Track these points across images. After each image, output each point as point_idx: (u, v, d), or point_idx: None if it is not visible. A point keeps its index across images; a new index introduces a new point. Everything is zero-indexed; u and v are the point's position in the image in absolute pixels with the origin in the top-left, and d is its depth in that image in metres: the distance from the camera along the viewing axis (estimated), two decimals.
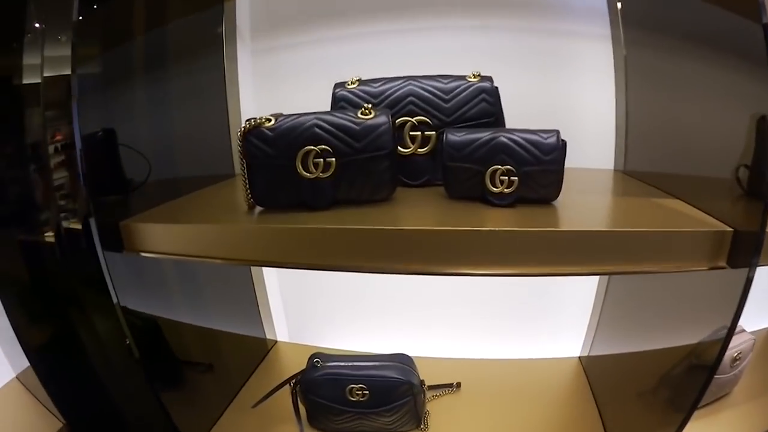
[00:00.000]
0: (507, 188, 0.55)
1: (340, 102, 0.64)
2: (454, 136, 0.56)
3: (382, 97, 0.64)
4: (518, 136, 0.55)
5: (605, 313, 0.92)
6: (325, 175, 0.54)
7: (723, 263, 0.51)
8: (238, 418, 0.79)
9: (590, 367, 0.95)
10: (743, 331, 0.78)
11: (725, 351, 0.54)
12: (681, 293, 0.71)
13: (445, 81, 0.63)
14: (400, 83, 0.64)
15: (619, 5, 0.79)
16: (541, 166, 0.55)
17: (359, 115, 0.54)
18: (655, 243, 0.49)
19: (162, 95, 0.78)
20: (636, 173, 0.79)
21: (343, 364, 0.69)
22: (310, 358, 0.70)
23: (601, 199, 0.67)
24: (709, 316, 0.59)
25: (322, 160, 0.53)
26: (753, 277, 0.50)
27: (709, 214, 0.55)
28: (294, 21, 0.89)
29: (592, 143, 0.84)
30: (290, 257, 0.53)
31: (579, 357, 0.99)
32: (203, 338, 0.88)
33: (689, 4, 0.66)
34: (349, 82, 0.65)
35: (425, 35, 0.85)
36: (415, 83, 0.64)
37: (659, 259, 0.50)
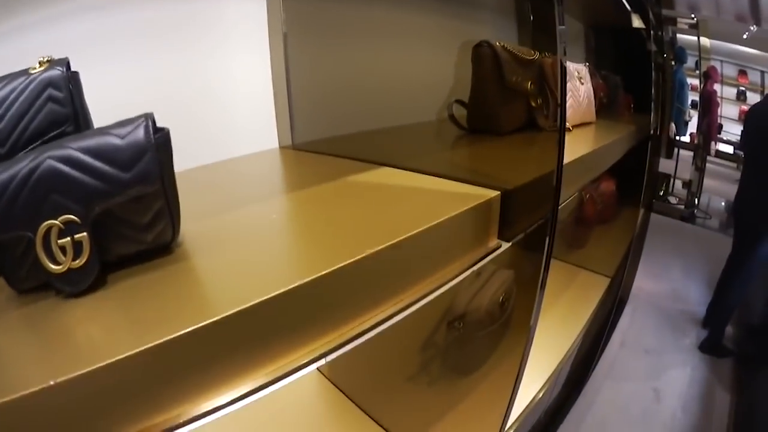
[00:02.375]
0: (75, 259, 0.29)
1: None
2: None
3: None
4: (74, 149, 0.31)
5: None
6: None
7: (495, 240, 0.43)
8: None
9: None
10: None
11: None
12: None
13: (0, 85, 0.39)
14: None
15: None
16: (123, 191, 0.30)
17: None
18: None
19: None
20: (309, 145, 0.64)
21: None
22: None
23: (264, 215, 0.44)
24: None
25: None
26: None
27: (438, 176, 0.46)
28: None
29: (248, 119, 0.66)
30: None
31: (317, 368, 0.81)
32: None
33: None
34: None
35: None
36: None
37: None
